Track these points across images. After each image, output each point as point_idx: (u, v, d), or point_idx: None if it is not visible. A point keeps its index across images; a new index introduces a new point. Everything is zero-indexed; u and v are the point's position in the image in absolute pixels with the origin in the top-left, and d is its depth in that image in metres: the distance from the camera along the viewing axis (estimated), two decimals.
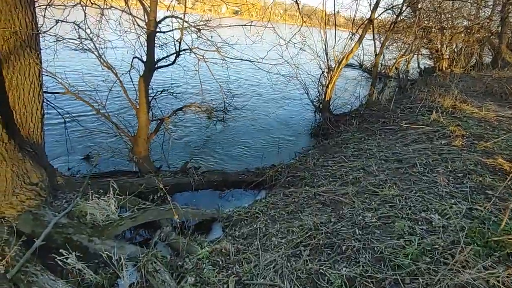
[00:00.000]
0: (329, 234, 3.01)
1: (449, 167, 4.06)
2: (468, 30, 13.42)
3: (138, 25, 4.66)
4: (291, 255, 2.81)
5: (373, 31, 9.65)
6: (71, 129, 5.52)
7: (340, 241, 2.87)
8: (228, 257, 2.92)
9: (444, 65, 15.46)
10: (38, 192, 3.40)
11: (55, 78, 3.85)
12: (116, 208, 3.47)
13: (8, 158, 3.15)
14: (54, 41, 4.34)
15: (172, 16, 4.80)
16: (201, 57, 4.69)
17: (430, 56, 16.32)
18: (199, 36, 4.95)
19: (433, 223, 2.88)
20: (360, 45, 8.44)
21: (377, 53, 9.29)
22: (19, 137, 3.40)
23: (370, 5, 9.01)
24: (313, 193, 4.21)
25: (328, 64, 8.12)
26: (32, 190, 3.35)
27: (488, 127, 5.54)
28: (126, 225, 3.47)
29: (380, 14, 10.27)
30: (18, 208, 3.19)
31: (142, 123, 4.62)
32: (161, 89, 5.08)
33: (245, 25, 5.00)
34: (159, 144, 5.32)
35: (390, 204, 3.34)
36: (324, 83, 8.41)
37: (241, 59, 5.02)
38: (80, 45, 4.47)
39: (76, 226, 3.24)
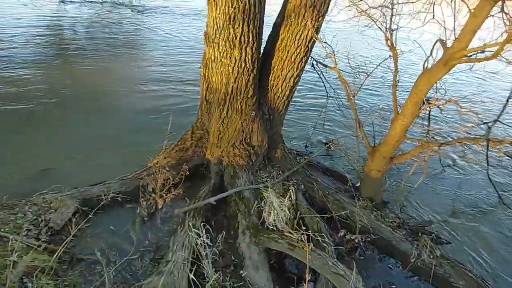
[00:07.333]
0: None
1: None
2: None
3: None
4: None
5: None
6: (330, 107, 5.19)
7: None
8: None
9: None
10: (250, 155, 3.34)
11: (326, 48, 3.33)
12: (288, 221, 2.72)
13: (244, 112, 3.21)
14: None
15: None
16: None
17: None
18: None
19: None
20: None
21: None
22: (263, 97, 3.37)
23: None
24: None
25: None
26: (246, 150, 3.34)
27: None
28: None
29: None
30: (226, 159, 3.31)
31: (394, 133, 3.24)
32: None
33: None
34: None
35: None
36: None
37: None
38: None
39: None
